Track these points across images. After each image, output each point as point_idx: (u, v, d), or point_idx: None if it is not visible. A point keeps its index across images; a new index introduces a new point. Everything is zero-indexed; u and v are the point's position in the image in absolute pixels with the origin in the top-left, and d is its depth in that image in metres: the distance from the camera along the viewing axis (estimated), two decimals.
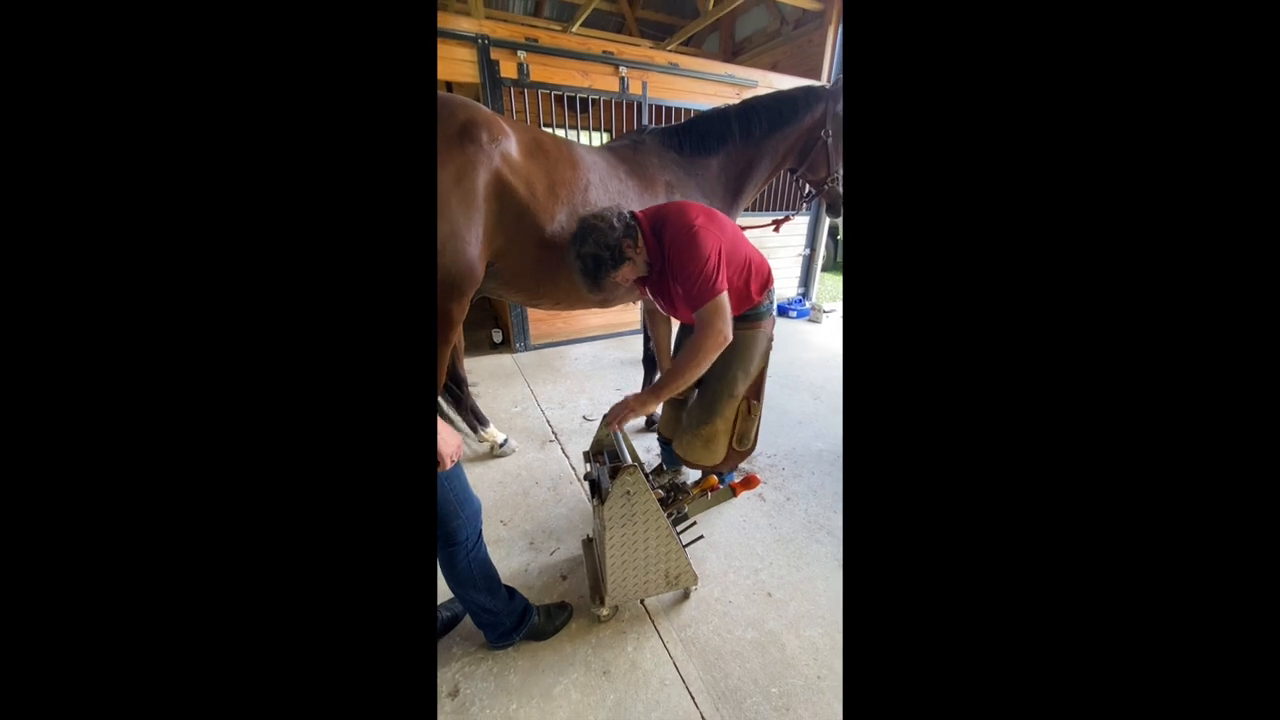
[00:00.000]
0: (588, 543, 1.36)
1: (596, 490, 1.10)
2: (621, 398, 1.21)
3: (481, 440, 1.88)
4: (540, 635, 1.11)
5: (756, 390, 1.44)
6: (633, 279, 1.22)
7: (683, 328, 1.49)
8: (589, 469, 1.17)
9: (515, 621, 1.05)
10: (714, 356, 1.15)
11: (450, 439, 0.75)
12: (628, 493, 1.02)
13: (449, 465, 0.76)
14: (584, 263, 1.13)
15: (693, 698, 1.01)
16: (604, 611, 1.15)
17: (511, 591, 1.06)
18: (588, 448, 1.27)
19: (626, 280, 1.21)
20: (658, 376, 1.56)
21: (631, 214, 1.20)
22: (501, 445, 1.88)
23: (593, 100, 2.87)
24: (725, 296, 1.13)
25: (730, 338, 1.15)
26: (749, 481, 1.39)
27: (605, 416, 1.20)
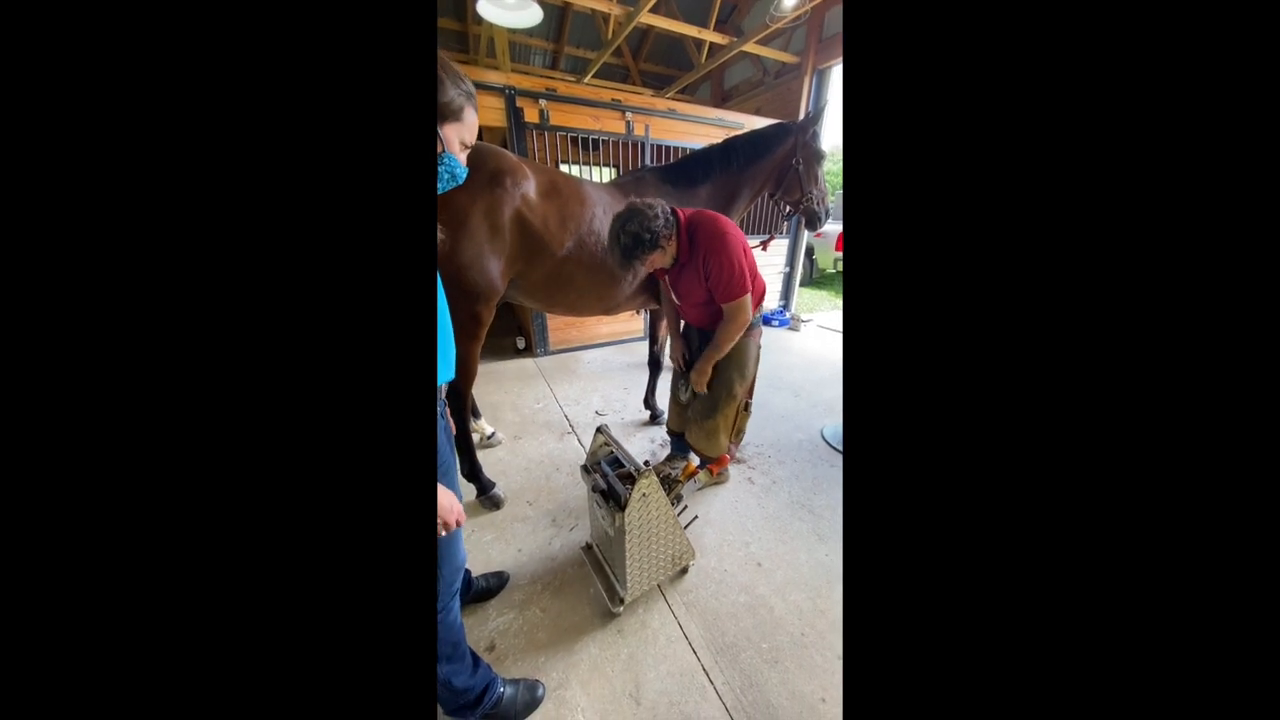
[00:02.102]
0: (589, 549, 1.26)
1: (611, 498, 1.03)
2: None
3: (473, 431, 1.90)
4: (505, 718, 0.85)
5: (750, 390, 1.47)
6: (658, 266, 1.25)
7: (685, 326, 1.52)
8: (593, 481, 1.09)
9: (474, 699, 0.81)
10: (739, 334, 1.29)
11: (451, 506, 0.60)
12: (644, 495, 0.99)
13: (443, 533, 0.60)
14: (624, 238, 1.13)
15: (695, 652, 1.02)
16: (622, 609, 1.09)
17: (477, 662, 0.82)
18: (584, 463, 1.18)
19: (653, 266, 1.23)
20: (664, 359, 1.65)
21: (674, 210, 1.21)
22: (489, 437, 1.92)
23: (603, 141, 2.91)
24: (747, 298, 1.24)
25: (749, 322, 1.29)
26: (720, 461, 1.45)
27: (689, 376, 1.39)
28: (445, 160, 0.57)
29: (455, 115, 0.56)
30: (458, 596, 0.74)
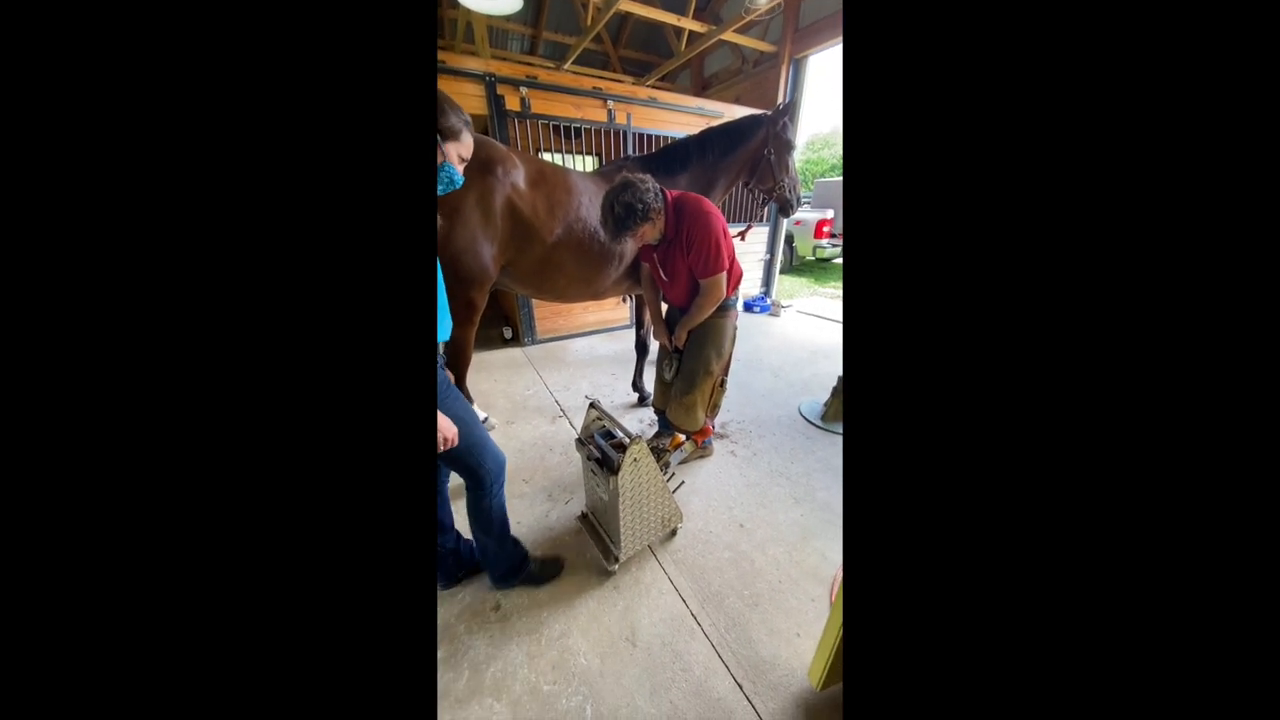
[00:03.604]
0: (584, 517, 1.35)
1: (605, 465, 1.11)
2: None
3: None
4: (535, 582, 1.16)
5: (726, 368, 1.57)
6: (648, 240, 1.33)
7: (669, 310, 1.60)
8: (588, 451, 1.18)
9: (515, 566, 1.12)
10: (714, 306, 1.38)
11: (447, 428, 0.78)
12: (635, 460, 1.07)
13: (444, 448, 0.79)
14: (619, 208, 1.19)
15: (684, 601, 1.13)
16: (617, 567, 1.18)
17: (516, 542, 1.12)
18: (578, 436, 1.27)
19: (643, 239, 1.31)
20: (652, 341, 1.73)
21: (662, 189, 1.30)
22: (483, 422, 1.99)
23: (585, 129, 2.92)
24: (723, 275, 1.34)
25: (724, 296, 1.38)
26: (704, 432, 1.57)
27: (672, 338, 1.50)
28: (446, 169, 0.74)
29: (455, 136, 0.74)
30: (504, 485, 1.01)
